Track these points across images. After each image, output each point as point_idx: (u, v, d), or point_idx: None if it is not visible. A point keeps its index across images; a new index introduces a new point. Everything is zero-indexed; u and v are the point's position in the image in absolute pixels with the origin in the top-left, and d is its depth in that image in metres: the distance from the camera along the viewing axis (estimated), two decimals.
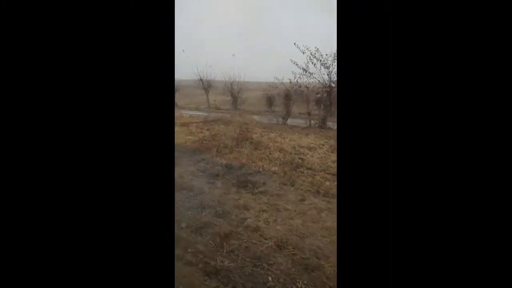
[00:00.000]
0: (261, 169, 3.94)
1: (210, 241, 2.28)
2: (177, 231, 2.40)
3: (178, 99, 14.61)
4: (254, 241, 2.29)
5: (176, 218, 2.64)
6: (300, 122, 8.54)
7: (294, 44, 7.43)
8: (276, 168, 3.96)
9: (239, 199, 3.07)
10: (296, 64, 7.56)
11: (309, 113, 7.84)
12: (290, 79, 8.13)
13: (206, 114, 10.87)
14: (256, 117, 9.01)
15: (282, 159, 4.34)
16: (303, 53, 7.42)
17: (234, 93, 13.35)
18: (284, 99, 8.80)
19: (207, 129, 6.63)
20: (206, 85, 14.68)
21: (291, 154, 4.67)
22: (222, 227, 2.48)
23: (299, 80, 7.92)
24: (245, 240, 2.29)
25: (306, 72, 7.53)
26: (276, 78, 8.38)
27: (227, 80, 13.42)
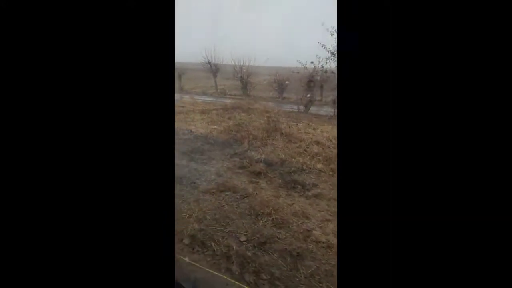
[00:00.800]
0: (304, 166, 3.54)
1: (281, 262, 1.90)
2: (237, 246, 2.02)
3: (183, 83, 13.92)
4: (332, 262, 1.92)
5: (231, 228, 2.26)
6: (315, 109, 8.05)
7: (322, 24, 6.83)
8: (321, 165, 3.56)
9: (293, 204, 2.69)
10: (324, 47, 6.98)
11: (334, 101, 7.34)
12: (314, 64, 7.59)
13: (214, 99, 10.38)
14: (271, 104, 8.47)
15: (322, 154, 3.92)
16: (332, 35, 6.83)
17: (244, 77, 12.59)
18: (306, 85, 8.24)
19: (229, 118, 6.14)
20: (214, 69, 13.79)
21: (329, 148, 4.26)
22: (288, 242, 2.10)
23: (324, 65, 7.38)
24: (322, 262, 1.92)
25: (333, 56, 6.95)
26: (300, 62, 7.82)
27: (236, 63, 12.62)
